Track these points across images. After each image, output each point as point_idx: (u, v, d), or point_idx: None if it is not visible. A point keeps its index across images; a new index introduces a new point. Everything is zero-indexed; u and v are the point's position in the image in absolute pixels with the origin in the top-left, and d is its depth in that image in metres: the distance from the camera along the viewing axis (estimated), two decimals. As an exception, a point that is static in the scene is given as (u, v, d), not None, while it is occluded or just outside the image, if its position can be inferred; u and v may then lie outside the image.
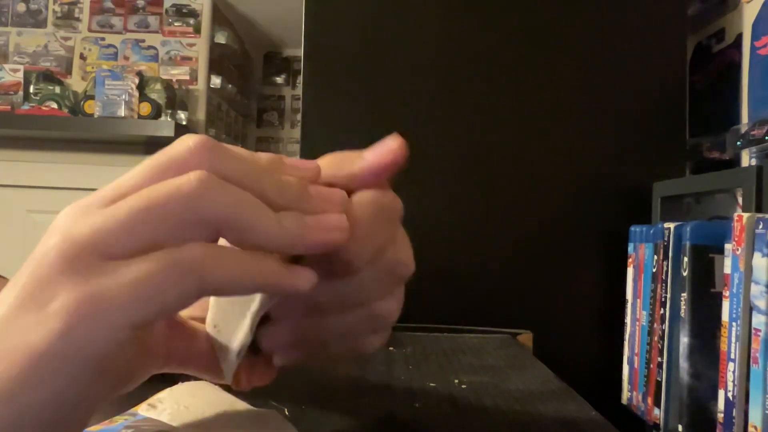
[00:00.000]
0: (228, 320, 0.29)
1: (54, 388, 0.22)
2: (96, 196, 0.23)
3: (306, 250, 0.25)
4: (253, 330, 0.28)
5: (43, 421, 0.22)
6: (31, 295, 0.22)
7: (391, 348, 0.66)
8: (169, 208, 0.22)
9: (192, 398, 0.31)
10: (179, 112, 2.08)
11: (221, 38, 2.33)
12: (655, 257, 0.79)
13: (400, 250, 0.29)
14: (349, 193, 0.27)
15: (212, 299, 0.30)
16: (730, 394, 0.60)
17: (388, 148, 0.28)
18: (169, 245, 0.22)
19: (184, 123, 2.07)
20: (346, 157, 0.28)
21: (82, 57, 2.23)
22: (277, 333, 0.29)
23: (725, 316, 0.61)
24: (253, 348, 0.29)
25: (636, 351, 0.84)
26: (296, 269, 0.25)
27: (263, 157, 0.26)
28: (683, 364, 0.70)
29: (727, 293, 0.62)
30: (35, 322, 0.21)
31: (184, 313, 0.31)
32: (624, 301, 0.89)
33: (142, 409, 0.30)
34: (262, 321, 0.28)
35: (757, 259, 0.57)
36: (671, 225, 0.75)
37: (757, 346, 0.56)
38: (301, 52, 1.02)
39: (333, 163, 0.28)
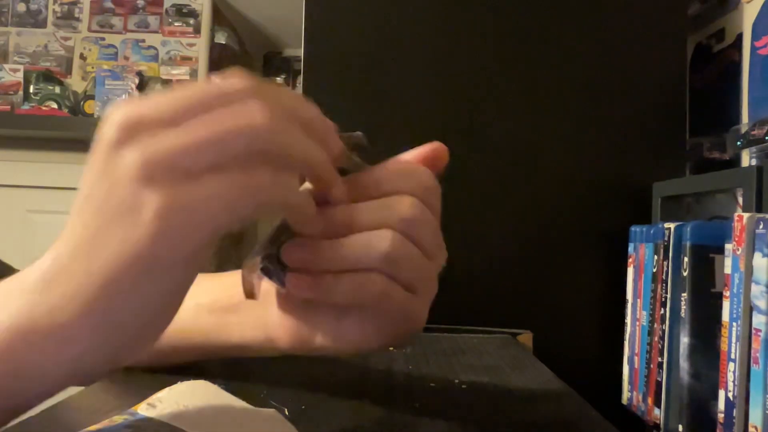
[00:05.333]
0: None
1: (153, 287, 0.25)
2: (150, 112, 0.25)
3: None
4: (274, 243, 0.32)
5: (144, 317, 0.25)
6: (114, 210, 0.24)
7: (391, 348, 0.66)
8: (239, 139, 0.25)
9: (192, 398, 0.31)
10: (179, 111, 2.08)
11: (221, 38, 2.33)
12: (656, 257, 0.79)
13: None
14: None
15: None
16: (730, 395, 0.60)
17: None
18: (234, 166, 0.25)
19: (184, 123, 2.07)
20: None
21: (82, 57, 2.23)
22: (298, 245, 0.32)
23: (725, 316, 0.61)
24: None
25: (636, 351, 0.84)
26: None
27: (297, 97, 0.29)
28: (683, 364, 0.70)
29: (727, 293, 0.61)
30: (128, 230, 0.24)
31: None
32: (624, 301, 0.89)
33: (142, 409, 0.30)
34: None
35: (758, 259, 0.57)
36: (671, 225, 0.75)
37: (757, 346, 0.56)
38: (301, 52, 1.02)
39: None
